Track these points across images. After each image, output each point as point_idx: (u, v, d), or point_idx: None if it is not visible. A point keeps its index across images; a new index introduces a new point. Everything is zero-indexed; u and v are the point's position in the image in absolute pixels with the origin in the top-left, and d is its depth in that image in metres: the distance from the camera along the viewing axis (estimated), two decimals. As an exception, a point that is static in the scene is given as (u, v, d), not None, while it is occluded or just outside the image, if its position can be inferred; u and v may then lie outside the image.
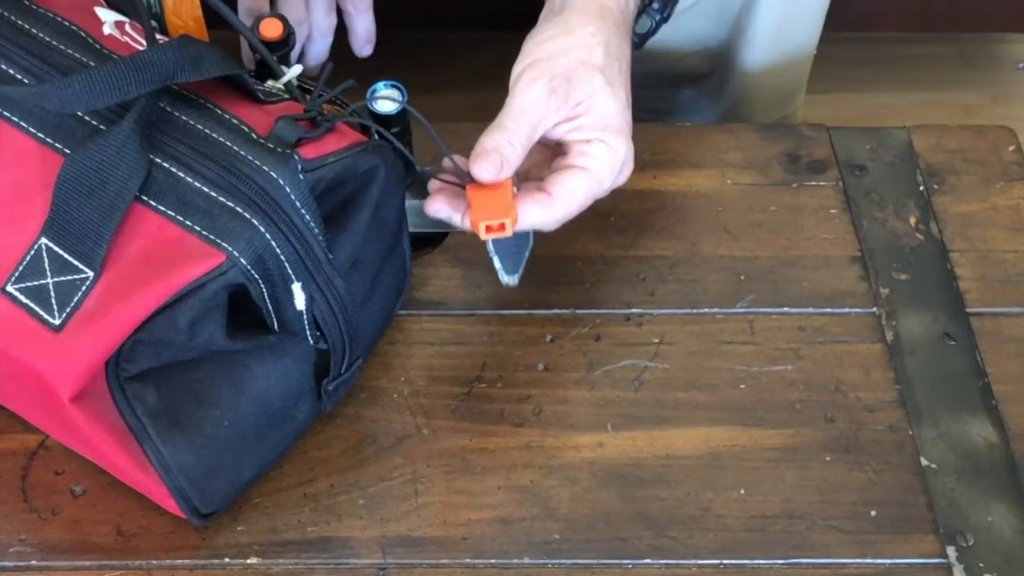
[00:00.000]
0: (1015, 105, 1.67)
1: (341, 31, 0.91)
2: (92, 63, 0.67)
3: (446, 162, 0.73)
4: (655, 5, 0.80)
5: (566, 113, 0.73)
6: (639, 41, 0.81)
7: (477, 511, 0.71)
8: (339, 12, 0.90)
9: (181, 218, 0.63)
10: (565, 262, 0.81)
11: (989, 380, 0.77)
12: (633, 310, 0.80)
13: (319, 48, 0.89)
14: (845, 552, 0.70)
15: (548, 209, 0.72)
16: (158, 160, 0.64)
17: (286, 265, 0.64)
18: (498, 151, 0.71)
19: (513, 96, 0.73)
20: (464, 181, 0.72)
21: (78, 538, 0.69)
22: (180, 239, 0.63)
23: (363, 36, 0.91)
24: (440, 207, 0.73)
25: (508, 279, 0.75)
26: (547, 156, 0.76)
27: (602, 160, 0.74)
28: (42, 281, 0.63)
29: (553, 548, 0.70)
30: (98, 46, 0.68)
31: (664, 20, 0.81)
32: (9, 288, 0.63)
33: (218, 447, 0.67)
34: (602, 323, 0.79)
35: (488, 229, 0.70)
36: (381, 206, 0.70)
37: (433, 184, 0.74)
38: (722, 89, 1.06)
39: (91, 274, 0.62)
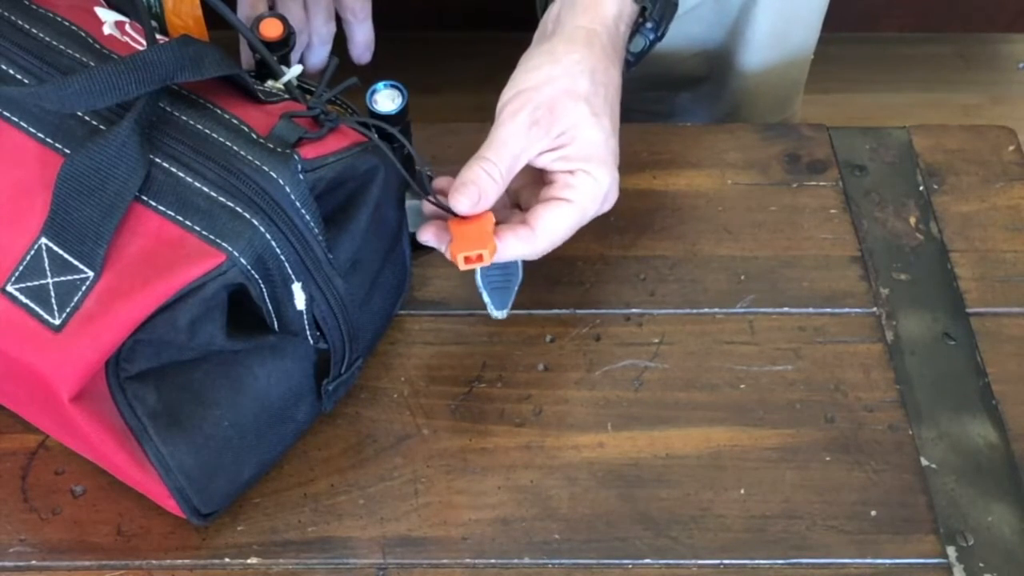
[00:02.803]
0: (1015, 105, 1.67)
1: (340, 37, 0.91)
2: (92, 63, 0.67)
3: (427, 204, 0.74)
4: (648, 25, 0.80)
5: (549, 143, 0.73)
6: (634, 60, 0.81)
7: (477, 511, 0.71)
8: (338, 20, 0.90)
9: (181, 218, 0.63)
10: (565, 262, 0.81)
11: (989, 380, 0.77)
12: (633, 310, 0.80)
13: (319, 56, 0.90)
14: (845, 552, 0.70)
15: (529, 243, 0.73)
16: (158, 160, 0.64)
17: (286, 265, 0.64)
18: (476, 183, 0.71)
19: (496, 127, 0.73)
20: (449, 213, 0.73)
21: (78, 538, 0.69)
22: (180, 239, 0.63)
23: (362, 44, 0.91)
24: (429, 237, 0.74)
25: (497, 313, 0.76)
26: (536, 177, 0.76)
27: (586, 191, 0.74)
28: (42, 281, 0.63)
29: (553, 548, 0.70)
30: (98, 46, 0.68)
31: (659, 39, 0.81)
32: (9, 288, 0.63)
33: (218, 447, 0.67)
34: (602, 323, 0.79)
35: (467, 260, 0.71)
36: (381, 206, 0.70)
37: (427, 207, 0.75)
38: (720, 92, 1.06)
39: (91, 274, 0.62)
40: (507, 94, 0.74)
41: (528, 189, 0.77)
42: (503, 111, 0.73)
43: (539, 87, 0.74)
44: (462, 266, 0.71)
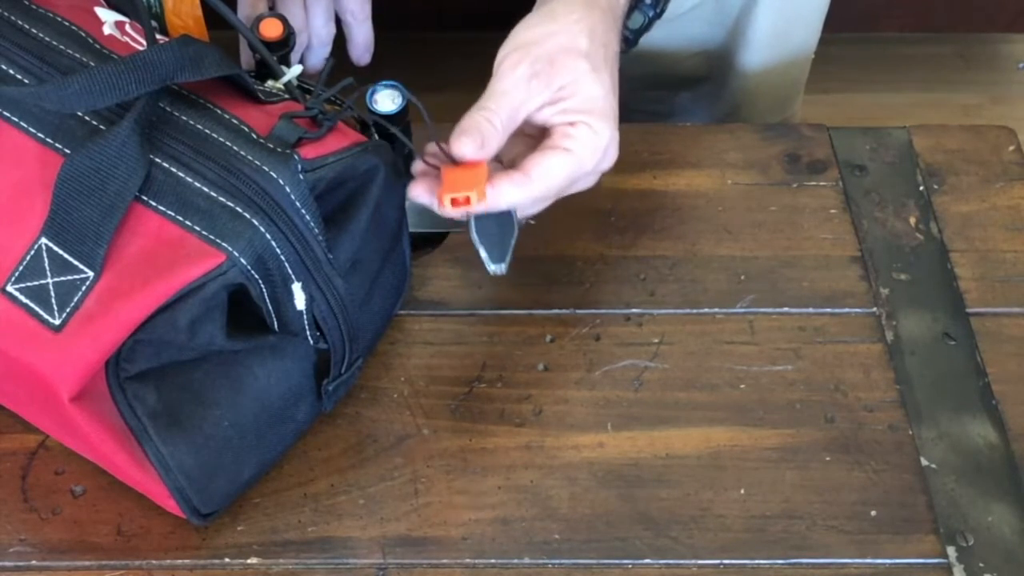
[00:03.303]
0: (1015, 105, 1.67)
1: (340, 38, 0.91)
2: (92, 63, 0.67)
3: (430, 146, 0.72)
4: (648, 1, 0.80)
5: (549, 96, 0.72)
6: (632, 37, 0.81)
7: (477, 511, 0.71)
8: (338, 21, 0.90)
9: (181, 218, 0.63)
10: (565, 262, 0.81)
11: (989, 380, 0.77)
12: (633, 310, 0.80)
13: (318, 57, 0.89)
14: (845, 552, 0.70)
15: (523, 188, 0.71)
16: (158, 160, 0.64)
17: (286, 265, 0.64)
18: (479, 129, 0.70)
19: (496, 79, 0.72)
20: (448, 163, 0.71)
21: (78, 538, 0.69)
22: (180, 239, 0.63)
23: (362, 45, 0.91)
24: (420, 192, 0.72)
25: (495, 267, 0.72)
26: (532, 145, 0.75)
27: (585, 143, 0.73)
28: (42, 281, 0.63)
29: (553, 548, 0.70)
30: (98, 46, 0.68)
31: (658, 16, 0.81)
32: (9, 288, 0.63)
33: (218, 447, 0.67)
34: (602, 323, 0.79)
35: (454, 202, 0.68)
36: (381, 206, 0.70)
37: (417, 166, 0.73)
38: (720, 92, 1.06)
39: (91, 274, 0.62)
40: (505, 49, 0.73)
41: (523, 157, 0.76)
42: (502, 64, 0.72)
43: (539, 41, 0.73)
44: (449, 209, 0.69)
